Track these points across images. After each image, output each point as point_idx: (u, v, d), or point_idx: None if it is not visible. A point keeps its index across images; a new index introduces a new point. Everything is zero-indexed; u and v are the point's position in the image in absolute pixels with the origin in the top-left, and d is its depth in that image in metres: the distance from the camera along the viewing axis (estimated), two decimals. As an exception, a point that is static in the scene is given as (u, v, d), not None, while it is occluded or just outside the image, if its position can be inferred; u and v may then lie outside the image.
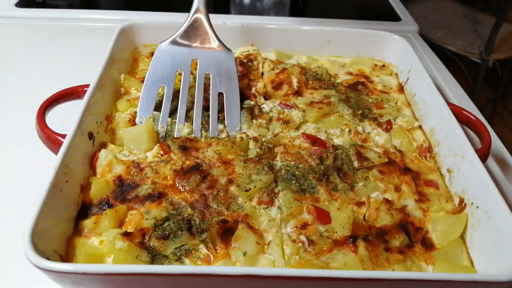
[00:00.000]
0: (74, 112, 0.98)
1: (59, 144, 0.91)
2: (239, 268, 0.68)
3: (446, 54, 2.97)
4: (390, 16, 1.91)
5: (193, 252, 0.80)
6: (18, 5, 1.79)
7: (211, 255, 0.82)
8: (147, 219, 0.83)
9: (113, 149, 0.99)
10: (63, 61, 1.50)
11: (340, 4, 2.15)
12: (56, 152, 0.95)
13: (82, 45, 1.56)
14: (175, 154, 0.98)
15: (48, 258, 0.69)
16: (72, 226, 0.85)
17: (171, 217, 0.84)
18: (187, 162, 0.96)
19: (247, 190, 0.90)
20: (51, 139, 0.96)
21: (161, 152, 0.99)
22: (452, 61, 2.98)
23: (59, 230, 0.80)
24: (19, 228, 0.90)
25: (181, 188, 0.91)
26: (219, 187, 0.91)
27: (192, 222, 0.84)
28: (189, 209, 0.87)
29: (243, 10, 2.05)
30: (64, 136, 0.93)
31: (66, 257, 0.80)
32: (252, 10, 2.03)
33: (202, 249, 0.81)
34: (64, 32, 1.68)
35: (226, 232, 0.83)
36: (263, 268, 0.75)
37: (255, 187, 0.91)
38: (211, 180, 0.93)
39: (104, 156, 0.95)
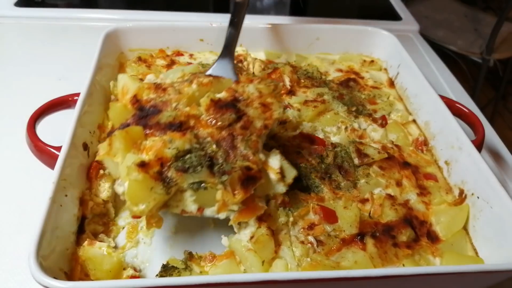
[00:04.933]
0: (62, 122, 0.95)
1: (53, 156, 0.88)
2: (256, 275, 0.67)
3: (447, 54, 3.00)
4: (391, 15, 1.92)
5: (205, 188, 0.77)
6: (17, 4, 1.75)
7: (213, 257, 0.82)
8: (169, 148, 0.77)
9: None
10: (62, 61, 1.47)
11: (340, 3, 2.16)
12: (48, 164, 0.93)
13: (81, 45, 1.53)
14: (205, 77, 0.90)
15: (54, 277, 0.67)
16: (74, 242, 0.82)
17: (194, 150, 0.78)
18: (224, 94, 0.88)
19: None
20: (44, 152, 0.92)
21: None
22: (453, 61, 3.02)
23: (63, 247, 0.77)
24: (18, 246, 0.89)
25: (210, 121, 0.83)
26: (253, 130, 0.83)
27: (215, 160, 0.79)
28: (214, 147, 0.80)
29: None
30: (57, 148, 0.90)
31: (71, 274, 0.77)
32: (252, 9, 2.02)
33: (219, 191, 0.77)
34: (63, 31, 1.65)
35: (249, 179, 0.77)
36: (280, 273, 0.74)
37: None
38: (246, 120, 0.84)
39: (120, 78, 0.90)
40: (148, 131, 0.81)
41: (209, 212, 0.78)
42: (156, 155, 0.76)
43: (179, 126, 0.80)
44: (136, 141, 0.79)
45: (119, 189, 0.81)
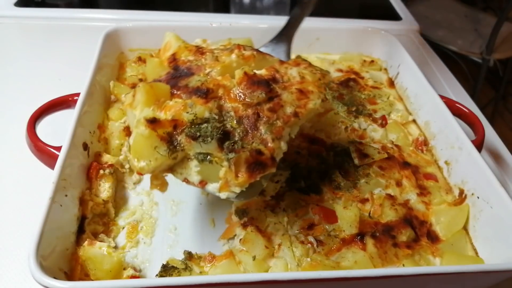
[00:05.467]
0: (62, 122, 0.95)
1: (53, 156, 0.88)
2: (256, 275, 0.67)
3: (447, 54, 3.00)
4: (391, 15, 1.91)
5: (210, 162, 0.73)
6: (17, 4, 1.75)
7: (213, 257, 0.82)
8: (187, 112, 0.74)
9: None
10: (62, 61, 1.47)
11: (341, 3, 2.16)
12: (49, 165, 0.93)
13: (81, 45, 1.52)
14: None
15: (54, 277, 0.67)
16: (74, 241, 0.82)
17: (211, 120, 0.75)
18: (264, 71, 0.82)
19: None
20: (44, 152, 0.92)
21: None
22: (453, 61, 3.01)
23: (63, 247, 0.77)
24: (18, 246, 0.89)
25: (239, 95, 0.78)
26: (281, 115, 0.78)
27: (231, 136, 0.75)
28: (234, 122, 0.76)
29: (243, 10, 2.03)
30: (57, 148, 0.90)
31: (71, 274, 0.77)
32: (252, 9, 2.02)
33: (223, 169, 0.72)
34: (63, 31, 1.65)
35: (257, 164, 0.72)
36: (280, 273, 0.74)
37: None
38: (276, 103, 0.78)
39: (166, 35, 0.89)
40: (175, 92, 0.78)
41: (211, 187, 0.75)
42: (173, 116, 0.74)
43: (205, 93, 0.77)
44: (160, 98, 0.76)
45: (128, 143, 0.79)
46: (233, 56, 0.84)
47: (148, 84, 0.77)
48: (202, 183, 0.75)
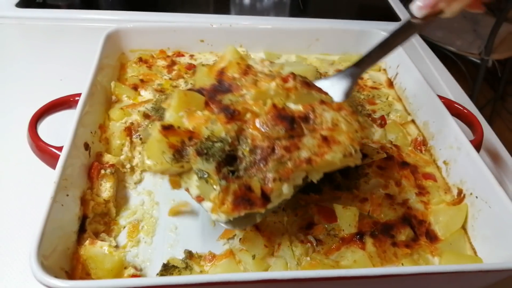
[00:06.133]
0: (63, 122, 0.95)
1: (54, 156, 0.89)
2: (256, 274, 0.68)
3: (446, 54, 3.00)
4: (390, 16, 1.92)
5: (206, 181, 0.73)
6: (18, 5, 1.75)
7: (213, 256, 0.83)
8: (206, 127, 0.76)
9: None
10: (63, 61, 1.48)
11: (339, 4, 2.17)
12: (50, 165, 0.93)
13: (82, 45, 1.52)
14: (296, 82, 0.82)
15: (56, 276, 0.67)
16: (75, 241, 0.83)
17: (224, 142, 0.74)
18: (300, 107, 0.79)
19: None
20: (45, 152, 0.93)
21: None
22: (452, 61, 3.01)
23: (64, 246, 0.78)
24: (19, 245, 0.90)
25: (262, 125, 0.76)
26: (294, 157, 0.74)
27: (238, 162, 0.74)
28: (247, 150, 0.75)
29: (243, 10, 2.04)
30: (58, 148, 0.91)
31: (72, 273, 0.78)
32: (252, 10, 2.03)
33: (214, 192, 0.72)
34: (64, 32, 1.66)
35: (243, 199, 0.70)
36: (279, 272, 0.74)
37: None
38: (293, 144, 0.75)
39: (228, 48, 0.90)
40: (210, 105, 0.80)
41: (205, 205, 0.75)
42: (193, 127, 0.76)
43: (232, 113, 0.77)
44: (191, 106, 0.78)
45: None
46: (273, 83, 0.81)
47: (183, 91, 0.79)
48: (199, 198, 0.76)
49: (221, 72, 0.86)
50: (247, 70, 0.85)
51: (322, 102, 0.81)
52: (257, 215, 0.76)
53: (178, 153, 0.75)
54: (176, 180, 0.80)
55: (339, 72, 1.00)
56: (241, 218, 0.73)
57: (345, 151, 0.75)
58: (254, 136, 0.76)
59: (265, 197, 0.71)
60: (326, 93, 0.86)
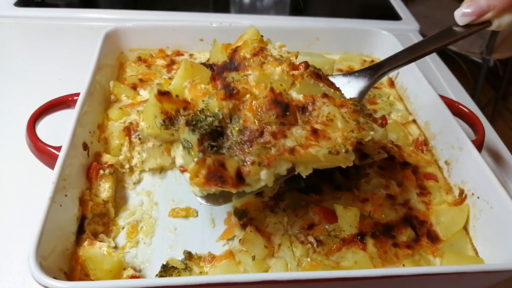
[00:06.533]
0: (62, 122, 0.95)
1: (53, 156, 0.88)
2: (256, 275, 0.67)
3: (447, 54, 2.99)
4: (391, 15, 1.92)
5: (189, 152, 0.74)
6: (17, 4, 1.75)
7: (213, 257, 0.83)
8: (203, 101, 0.76)
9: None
10: (62, 61, 1.47)
11: (340, 3, 2.17)
12: (48, 165, 0.93)
13: (81, 45, 1.53)
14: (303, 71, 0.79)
15: (54, 277, 0.67)
16: (74, 242, 0.82)
17: (215, 118, 0.74)
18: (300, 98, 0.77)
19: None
20: (44, 152, 0.92)
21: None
22: (453, 61, 3.01)
23: (63, 247, 0.77)
24: (17, 246, 0.89)
25: (257, 108, 0.75)
26: (280, 145, 0.71)
27: (223, 139, 0.74)
28: (237, 129, 0.74)
29: (243, 9, 2.03)
30: (57, 148, 0.90)
31: (71, 274, 0.77)
32: (252, 9, 2.02)
33: (192, 163, 0.72)
34: (63, 31, 1.65)
35: (216, 175, 0.68)
36: (279, 273, 0.74)
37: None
38: (281, 131, 0.73)
39: (250, 27, 0.90)
40: (216, 80, 0.80)
41: (186, 176, 0.73)
42: (192, 98, 0.77)
43: (231, 91, 0.76)
44: (196, 78, 0.79)
45: None
46: (278, 68, 0.79)
47: (190, 62, 0.80)
48: (182, 169, 0.77)
49: (235, 51, 0.85)
50: (259, 52, 0.83)
51: (325, 95, 0.78)
52: (233, 195, 0.75)
53: (170, 120, 0.75)
54: (169, 147, 0.81)
55: (359, 70, 0.96)
56: (216, 195, 0.73)
57: (332, 148, 0.70)
58: (247, 117, 0.75)
59: (240, 178, 0.69)
60: (337, 89, 0.83)
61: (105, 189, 0.92)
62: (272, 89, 0.76)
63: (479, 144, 1.02)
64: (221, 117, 0.75)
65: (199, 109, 0.76)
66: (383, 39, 1.37)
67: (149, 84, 1.19)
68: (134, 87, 1.17)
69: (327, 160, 0.71)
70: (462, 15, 0.82)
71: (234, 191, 0.70)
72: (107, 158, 0.98)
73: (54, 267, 0.73)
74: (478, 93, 3.15)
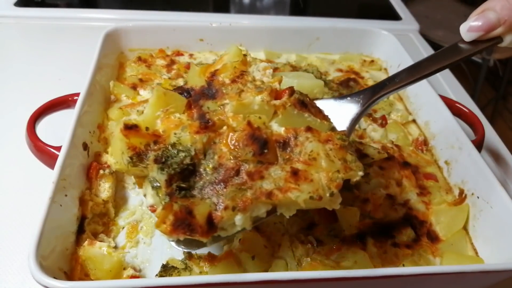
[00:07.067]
0: (62, 122, 0.95)
1: (52, 156, 0.88)
2: (256, 275, 0.67)
3: (447, 54, 3.00)
4: (391, 15, 1.92)
5: (157, 192, 0.68)
6: (17, 4, 1.75)
7: (213, 257, 0.81)
8: (174, 134, 0.70)
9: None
10: (62, 61, 1.47)
11: (340, 3, 2.17)
12: (48, 165, 0.93)
13: (81, 45, 1.53)
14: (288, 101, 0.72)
15: (54, 277, 0.67)
16: (74, 241, 0.82)
17: (187, 153, 0.67)
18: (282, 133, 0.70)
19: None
20: (44, 152, 0.92)
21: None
22: (453, 61, 3.01)
23: (63, 247, 0.77)
24: (17, 246, 0.89)
25: (233, 143, 0.68)
26: (254, 187, 0.65)
27: (195, 178, 0.67)
28: (211, 167, 0.67)
29: (242, 9, 2.04)
30: (57, 148, 0.90)
31: (71, 274, 0.77)
32: (252, 9, 2.03)
33: (159, 207, 0.66)
34: (63, 31, 1.66)
35: (183, 223, 0.61)
36: (280, 273, 0.73)
37: None
38: (258, 171, 0.66)
39: (231, 47, 0.82)
40: (192, 109, 0.73)
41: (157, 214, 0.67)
42: (163, 130, 0.70)
43: (206, 123, 0.70)
44: (170, 107, 0.72)
45: None
46: (258, 98, 0.72)
47: (163, 90, 0.73)
48: (151, 209, 0.72)
49: (213, 74, 0.79)
50: (239, 76, 0.77)
51: (309, 129, 0.70)
52: (207, 242, 0.67)
53: (138, 157, 0.69)
54: (141, 182, 0.75)
55: (352, 94, 0.88)
56: (189, 240, 0.64)
57: (314, 192, 0.63)
58: (222, 153, 0.68)
59: (211, 225, 0.62)
60: (326, 117, 0.76)
61: (105, 189, 0.92)
62: (249, 123, 0.69)
63: (479, 144, 1.02)
64: (193, 152, 0.68)
65: (170, 143, 0.69)
66: (383, 39, 1.37)
67: (149, 84, 1.19)
68: (134, 87, 1.18)
69: (308, 206, 0.65)
70: (468, 30, 0.72)
71: (204, 240, 0.62)
72: (107, 158, 0.97)
73: (54, 267, 0.73)
74: (478, 93, 3.15)
